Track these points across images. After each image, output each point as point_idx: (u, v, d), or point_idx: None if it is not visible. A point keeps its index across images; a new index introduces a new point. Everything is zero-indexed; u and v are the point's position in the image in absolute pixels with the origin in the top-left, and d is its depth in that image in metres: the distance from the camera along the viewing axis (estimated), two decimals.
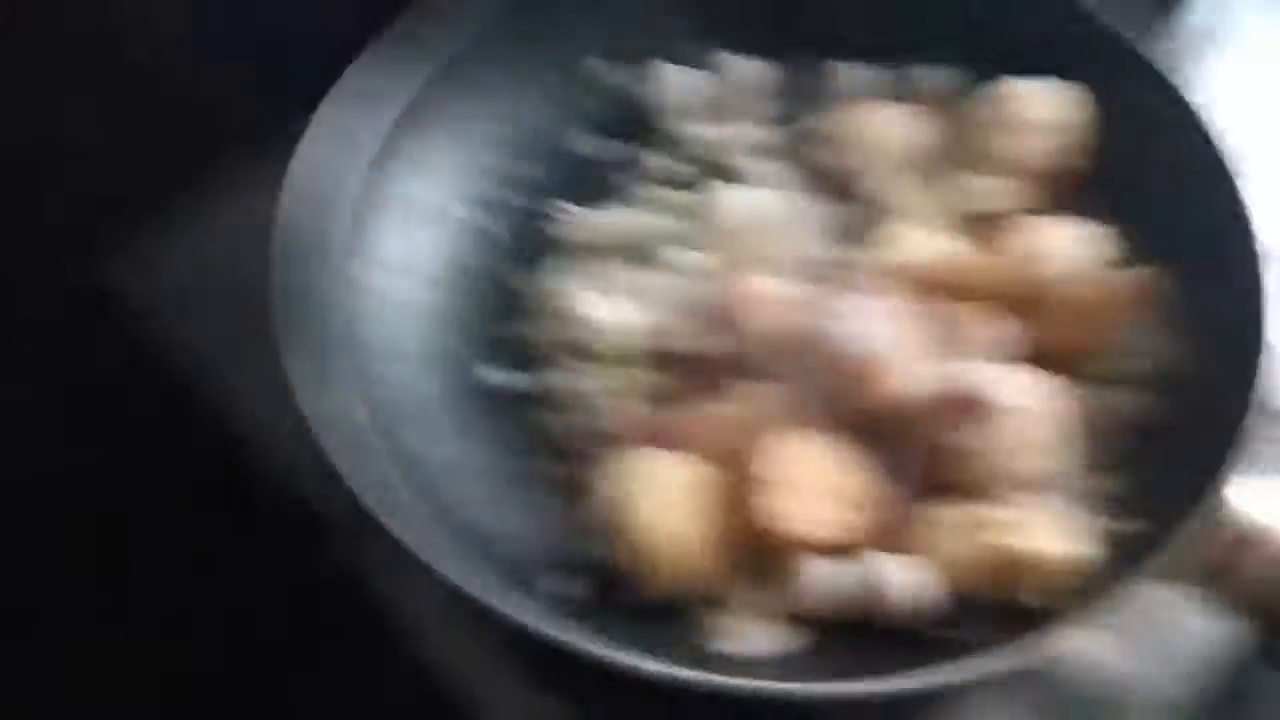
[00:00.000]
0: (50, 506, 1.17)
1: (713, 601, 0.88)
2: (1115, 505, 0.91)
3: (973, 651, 0.81)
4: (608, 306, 1.02)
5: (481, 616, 0.79)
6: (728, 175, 1.13)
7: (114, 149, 1.15)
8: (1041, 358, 0.97)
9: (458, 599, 0.80)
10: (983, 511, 0.86)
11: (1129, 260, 1.02)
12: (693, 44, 1.18)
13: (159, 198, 1.13)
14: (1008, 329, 0.97)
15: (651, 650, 0.81)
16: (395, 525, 0.81)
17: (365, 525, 0.82)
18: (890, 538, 0.88)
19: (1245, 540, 0.83)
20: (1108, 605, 0.81)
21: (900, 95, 1.14)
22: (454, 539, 0.88)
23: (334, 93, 1.00)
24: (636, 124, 1.16)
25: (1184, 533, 0.82)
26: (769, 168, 1.14)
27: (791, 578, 0.87)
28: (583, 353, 1.02)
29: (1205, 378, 0.94)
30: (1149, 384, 0.97)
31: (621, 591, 0.88)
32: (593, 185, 1.13)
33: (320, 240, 0.98)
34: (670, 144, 1.15)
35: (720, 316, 0.98)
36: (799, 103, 1.17)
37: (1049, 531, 0.85)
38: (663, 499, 0.85)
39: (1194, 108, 1.02)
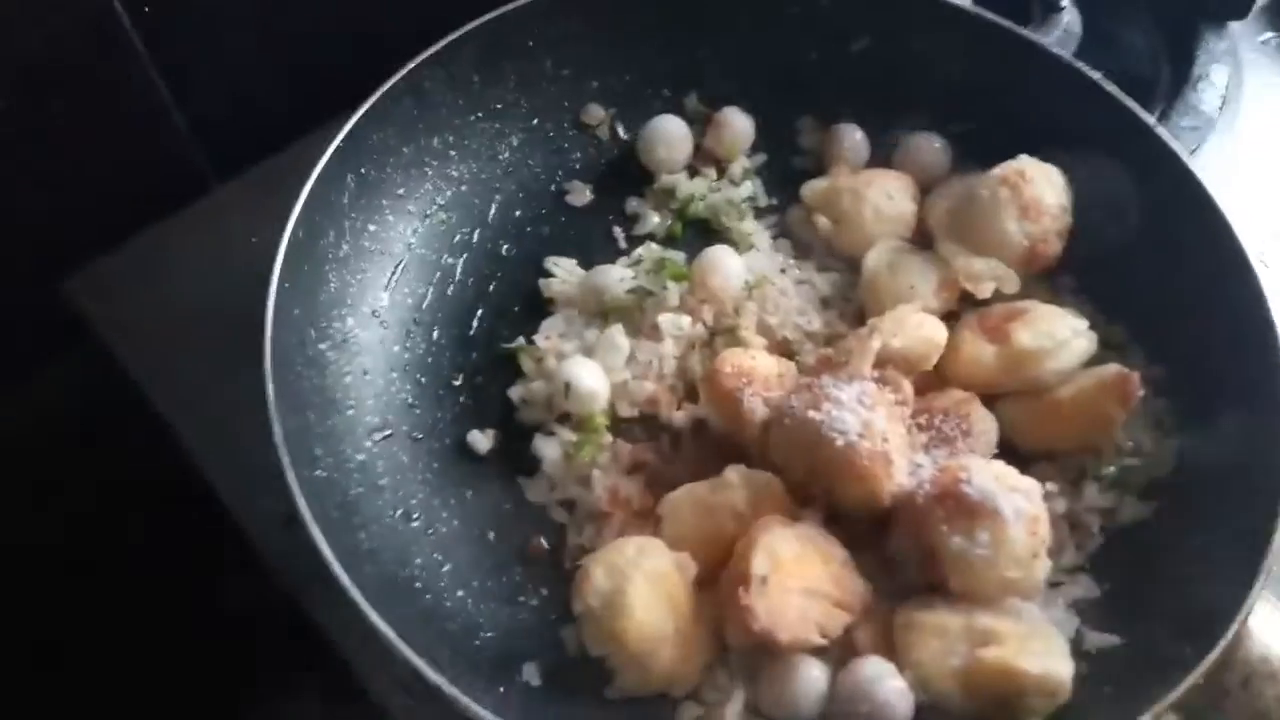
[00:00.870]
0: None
1: (689, 698, 0.86)
2: (1106, 615, 0.89)
3: None
4: (597, 373, 0.99)
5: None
6: (720, 235, 1.11)
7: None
8: (1038, 455, 0.96)
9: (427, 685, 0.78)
10: (966, 619, 0.84)
11: (1126, 349, 1.01)
12: (689, 97, 1.16)
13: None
14: (1005, 422, 0.96)
15: None
16: (379, 616, 0.79)
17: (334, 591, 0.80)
18: (871, 640, 0.86)
19: (1263, 674, 0.81)
20: None
21: (900, 164, 1.11)
22: (433, 626, 0.86)
23: (328, 149, 0.97)
24: (630, 176, 1.14)
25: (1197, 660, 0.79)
26: (762, 230, 1.12)
27: (771, 675, 0.85)
28: (570, 420, 0.99)
29: (1220, 477, 0.91)
30: (1148, 487, 0.95)
31: (600, 683, 0.86)
32: (586, 239, 1.11)
33: (309, 296, 0.96)
34: (664, 198, 1.13)
35: (710, 391, 0.96)
36: (795, 163, 1.15)
37: (1031, 647, 0.83)
38: (647, 596, 0.83)
39: (1208, 192, 0.99)
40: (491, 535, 0.95)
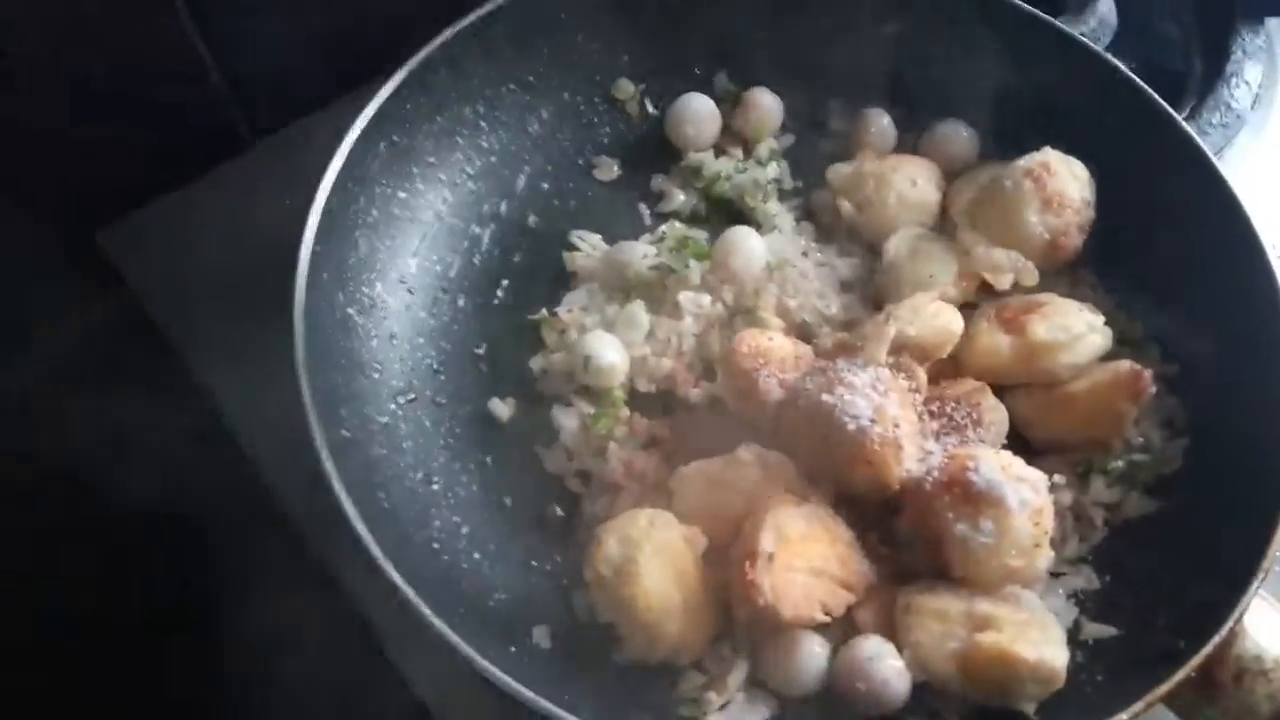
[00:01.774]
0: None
1: (693, 667, 0.89)
2: (1105, 607, 0.91)
3: None
4: (617, 348, 1.01)
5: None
6: (744, 216, 1.12)
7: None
8: (1047, 446, 0.97)
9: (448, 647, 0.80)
10: (966, 604, 0.87)
11: (1143, 346, 1.02)
12: (719, 76, 1.17)
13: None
14: (1016, 413, 0.97)
15: (626, 714, 0.82)
16: (397, 572, 0.81)
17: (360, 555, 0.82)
18: (873, 620, 0.88)
19: (1255, 671, 0.83)
20: None
21: (926, 151, 1.12)
22: (448, 586, 0.89)
23: (362, 115, 0.98)
24: (658, 153, 1.15)
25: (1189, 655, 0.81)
26: (785, 212, 1.13)
27: (773, 649, 0.88)
28: (589, 392, 1.01)
29: (1225, 477, 0.93)
30: (1154, 483, 0.97)
31: (608, 649, 0.89)
32: (611, 214, 1.12)
33: (339, 261, 0.97)
34: (689, 175, 1.14)
35: (727, 370, 0.98)
36: (822, 146, 1.16)
37: (1028, 635, 0.85)
38: (657, 566, 0.85)
39: (1232, 190, 0.99)
40: (508, 501, 0.98)
